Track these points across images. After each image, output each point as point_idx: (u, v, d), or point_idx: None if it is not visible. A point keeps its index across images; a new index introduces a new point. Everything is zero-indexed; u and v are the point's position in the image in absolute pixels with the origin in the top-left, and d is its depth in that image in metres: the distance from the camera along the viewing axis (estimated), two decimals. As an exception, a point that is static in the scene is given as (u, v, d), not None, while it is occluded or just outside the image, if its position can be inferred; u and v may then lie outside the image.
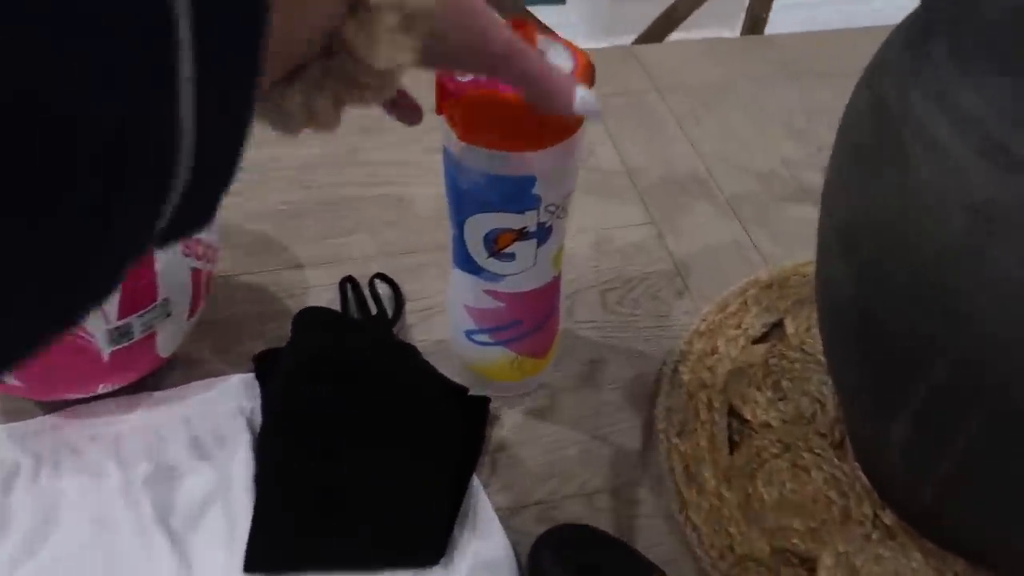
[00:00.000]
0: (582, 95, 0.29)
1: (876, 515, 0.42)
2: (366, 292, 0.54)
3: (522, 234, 0.38)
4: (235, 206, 0.63)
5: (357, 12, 0.21)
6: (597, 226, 0.63)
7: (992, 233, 0.26)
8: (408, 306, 0.55)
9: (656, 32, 0.98)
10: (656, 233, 0.62)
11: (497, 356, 0.46)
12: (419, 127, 0.34)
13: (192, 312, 0.46)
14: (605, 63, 0.84)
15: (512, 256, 0.39)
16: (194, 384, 0.48)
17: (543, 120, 0.32)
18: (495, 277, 0.41)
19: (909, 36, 0.33)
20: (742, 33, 1.00)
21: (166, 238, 0.17)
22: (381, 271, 0.56)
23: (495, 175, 0.36)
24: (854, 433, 0.44)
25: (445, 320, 0.53)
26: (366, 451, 0.42)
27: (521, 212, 0.37)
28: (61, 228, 0.14)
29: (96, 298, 0.16)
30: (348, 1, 0.21)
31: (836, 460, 0.44)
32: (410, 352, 0.49)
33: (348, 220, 0.62)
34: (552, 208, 0.38)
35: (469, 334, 0.45)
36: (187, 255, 0.44)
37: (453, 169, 0.37)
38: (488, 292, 0.42)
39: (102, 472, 0.43)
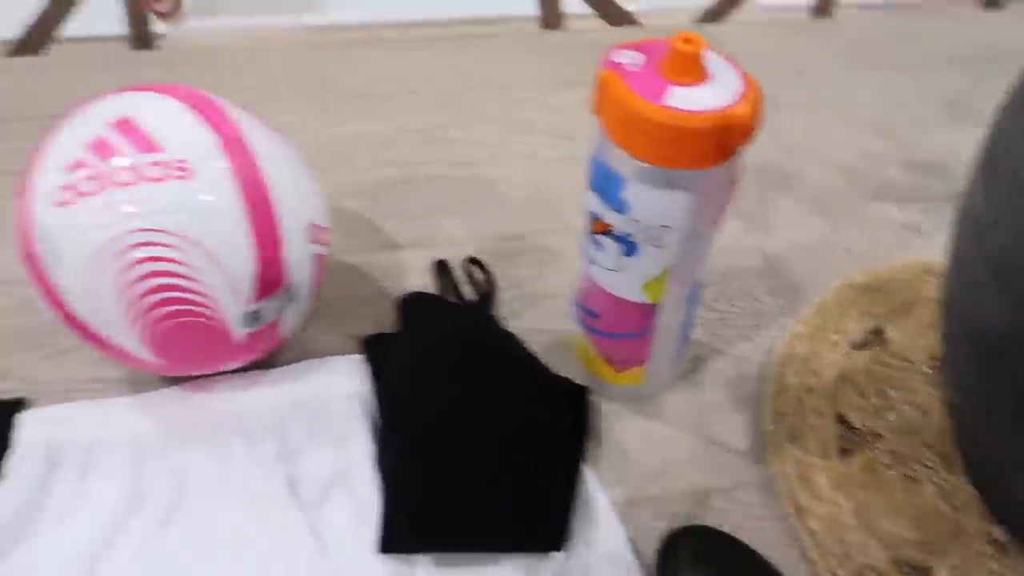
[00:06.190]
0: None
1: (988, 532, 0.43)
2: (457, 275, 0.55)
3: (607, 230, 0.40)
4: (326, 183, 0.62)
5: None
6: (687, 217, 0.62)
7: None
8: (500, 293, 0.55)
9: (720, 8, 0.96)
10: (743, 228, 0.62)
11: (581, 337, 0.49)
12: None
13: (313, 296, 0.46)
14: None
15: (600, 247, 0.41)
16: (305, 363, 0.49)
17: (669, 138, 0.35)
18: (590, 258, 0.43)
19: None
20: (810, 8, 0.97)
21: None
22: (472, 255, 0.56)
23: (597, 157, 0.39)
24: (970, 452, 0.44)
25: (535, 310, 0.54)
26: (484, 440, 0.43)
27: (610, 207, 0.39)
28: None
29: None
30: None
31: (946, 473, 0.45)
32: (515, 340, 0.49)
33: (436, 200, 0.62)
34: (641, 225, 0.38)
35: (575, 301, 0.49)
36: (312, 242, 0.44)
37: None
38: (586, 268, 0.44)
39: (229, 447, 0.43)
